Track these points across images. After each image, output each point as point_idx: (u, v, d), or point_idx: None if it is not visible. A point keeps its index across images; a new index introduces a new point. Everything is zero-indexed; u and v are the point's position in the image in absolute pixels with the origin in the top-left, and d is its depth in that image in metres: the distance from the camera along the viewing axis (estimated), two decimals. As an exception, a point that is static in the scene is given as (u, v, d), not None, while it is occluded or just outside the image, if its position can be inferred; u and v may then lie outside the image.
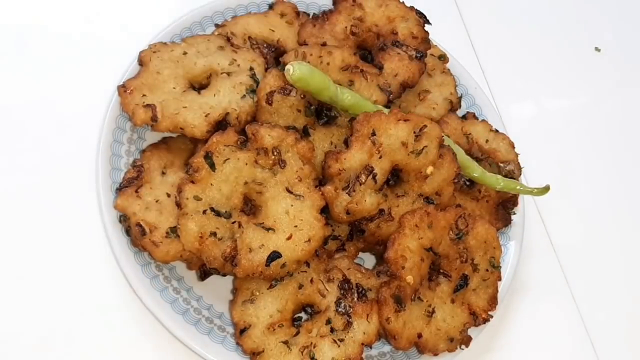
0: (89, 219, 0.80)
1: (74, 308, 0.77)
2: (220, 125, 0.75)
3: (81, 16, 0.93)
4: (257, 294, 0.73)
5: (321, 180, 0.75)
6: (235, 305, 0.74)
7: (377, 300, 0.73)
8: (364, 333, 0.72)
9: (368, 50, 0.86)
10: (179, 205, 0.70)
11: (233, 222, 0.71)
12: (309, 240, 0.71)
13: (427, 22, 0.86)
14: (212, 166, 0.71)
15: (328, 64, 0.77)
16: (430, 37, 0.87)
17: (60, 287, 0.77)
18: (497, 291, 0.80)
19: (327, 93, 0.74)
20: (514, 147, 0.89)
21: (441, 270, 0.77)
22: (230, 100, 0.76)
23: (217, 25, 0.87)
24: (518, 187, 0.84)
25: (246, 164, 0.72)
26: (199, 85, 0.80)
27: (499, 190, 0.84)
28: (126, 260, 0.74)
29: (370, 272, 0.77)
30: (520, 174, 0.89)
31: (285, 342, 0.72)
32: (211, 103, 0.76)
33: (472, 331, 0.78)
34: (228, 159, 0.71)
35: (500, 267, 0.80)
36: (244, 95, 0.77)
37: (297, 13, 0.89)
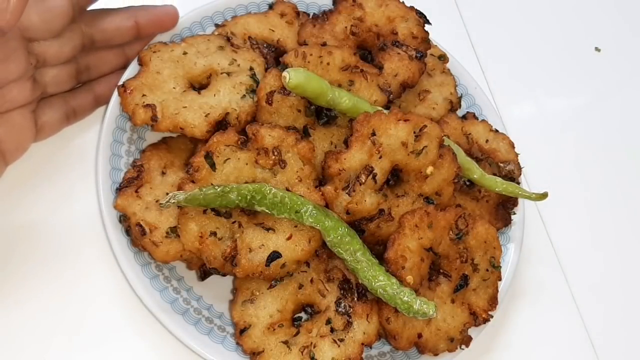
0: (89, 219, 0.80)
1: (74, 308, 0.77)
2: (220, 125, 0.75)
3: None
4: (257, 294, 0.73)
5: (321, 180, 0.75)
6: (235, 305, 0.74)
7: (377, 300, 0.73)
8: (364, 333, 0.72)
9: (368, 50, 0.86)
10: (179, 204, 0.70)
11: (233, 222, 0.71)
12: (309, 240, 0.71)
13: (427, 22, 0.86)
14: (213, 166, 0.71)
15: (328, 64, 0.77)
16: (430, 37, 0.87)
17: (59, 287, 0.77)
18: (497, 291, 0.80)
19: (325, 98, 0.74)
20: (514, 147, 0.89)
21: (441, 270, 0.77)
22: (230, 100, 0.76)
23: (217, 25, 0.87)
24: (517, 191, 0.83)
25: (246, 164, 0.72)
26: (199, 85, 0.79)
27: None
28: (126, 260, 0.74)
29: (370, 272, 0.77)
30: (520, 174, 0.88)
31: (285, 342, 0.72)
32: (211, 103, 0.76)
33: (472, 331, 0.78)
34: (228, 158, 0.71)
35: (501, 267, 0.80)
36: (244, 95, 0.77)
37: (297, 13, 0.89)
